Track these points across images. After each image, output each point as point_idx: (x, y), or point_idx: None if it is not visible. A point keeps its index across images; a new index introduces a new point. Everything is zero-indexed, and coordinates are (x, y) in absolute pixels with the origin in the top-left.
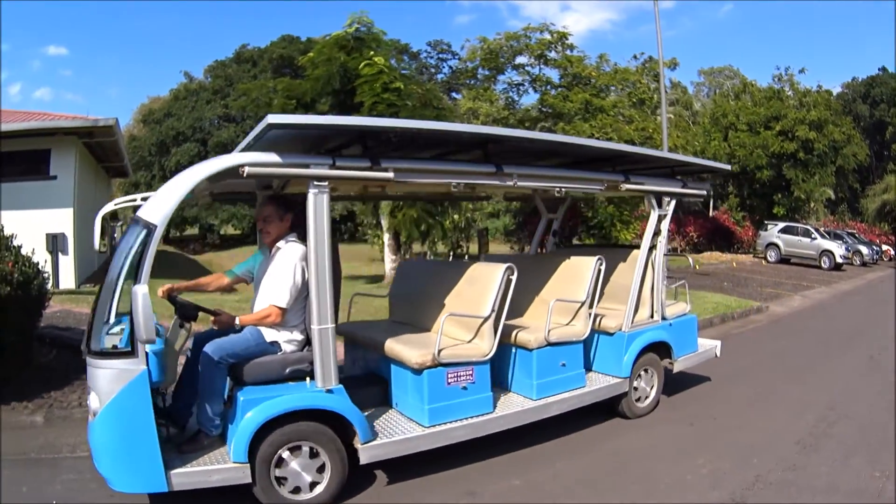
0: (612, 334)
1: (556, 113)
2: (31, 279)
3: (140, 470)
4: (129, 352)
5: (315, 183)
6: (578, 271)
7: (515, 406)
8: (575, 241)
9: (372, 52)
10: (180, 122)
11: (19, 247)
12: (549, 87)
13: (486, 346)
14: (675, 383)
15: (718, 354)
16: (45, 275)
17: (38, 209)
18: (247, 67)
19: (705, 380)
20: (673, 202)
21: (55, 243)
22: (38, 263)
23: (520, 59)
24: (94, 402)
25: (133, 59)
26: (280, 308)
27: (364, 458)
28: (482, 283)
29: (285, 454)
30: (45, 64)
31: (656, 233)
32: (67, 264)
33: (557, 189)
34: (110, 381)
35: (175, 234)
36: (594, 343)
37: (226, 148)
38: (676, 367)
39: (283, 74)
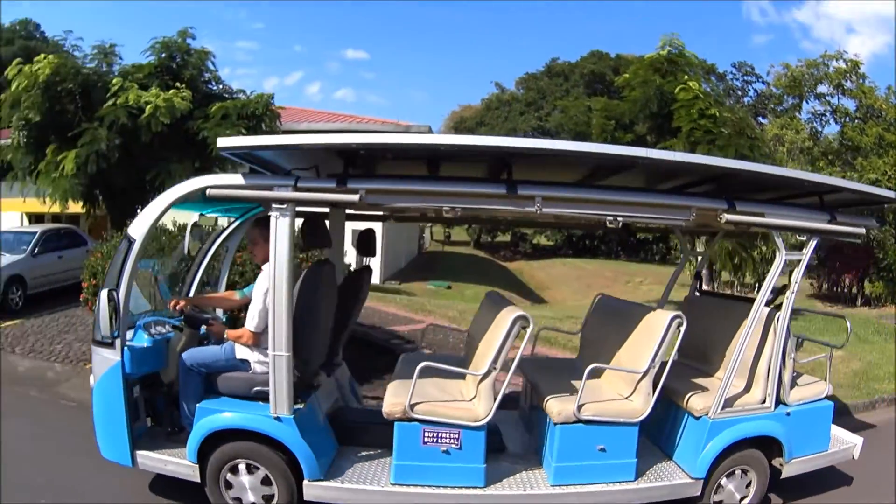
0: (697, 418)
1: (855, 146)
2: None
3: (113, 442)
4: (110, 344)
5: (275, 206)
6: (651, 331)
7: (519, 486)
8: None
9: (686, 77)
10: (493, 132)
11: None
12: (847, 118)
13: (482, 408)
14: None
15: (856, 456)
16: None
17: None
18: (559, 81)
19: (843, 480)
20: (813, 243)
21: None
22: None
23: (821, 88)
24: (91, 381)
25: (439, 66)
26: (251, 332)
27: (306, 495)
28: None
29: (241, 467)
30: (344, 66)
31: (783, 286)
32: (373, 262)
33: (610, 218)
34: (97, 365)
35: (486, 239)
36: (681, 423)
37: None
38: (788, 471)
39: (595, 91)
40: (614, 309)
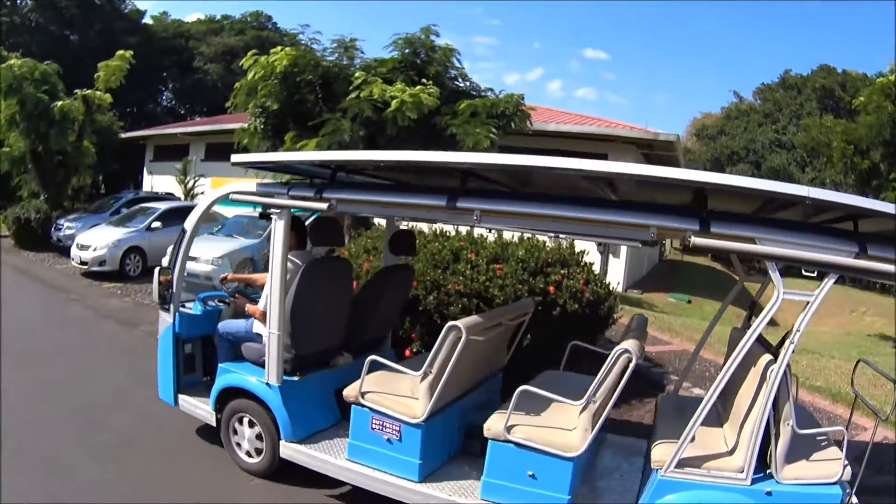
0: (652, 469)
1: None
2: (602, 300)
3: (164, 386)
4: (167, 309)
5: (273, 210)
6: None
7: (450, 491)
8: None
9: None
10: (734, 142)
11: (591, 264)
12: None
13: (419, 408)
14: None
15: None
16: (615, 296)
17: None
18: (792, 94)
19: None
20: (829, 281)
21: (608, 248)
22: (609, 284)
23: None
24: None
25: (678, 69)
26: (260, 310)
27: (281, 452)
28: None
29: (245, 420)
30: (584, 65)
31: (785, 335)
32: (618, 267)
33: (552, 235)
34: (160, 325)
35: None
36: (645, 472)
37: (777, 174)
38: None
39: (826, 107)
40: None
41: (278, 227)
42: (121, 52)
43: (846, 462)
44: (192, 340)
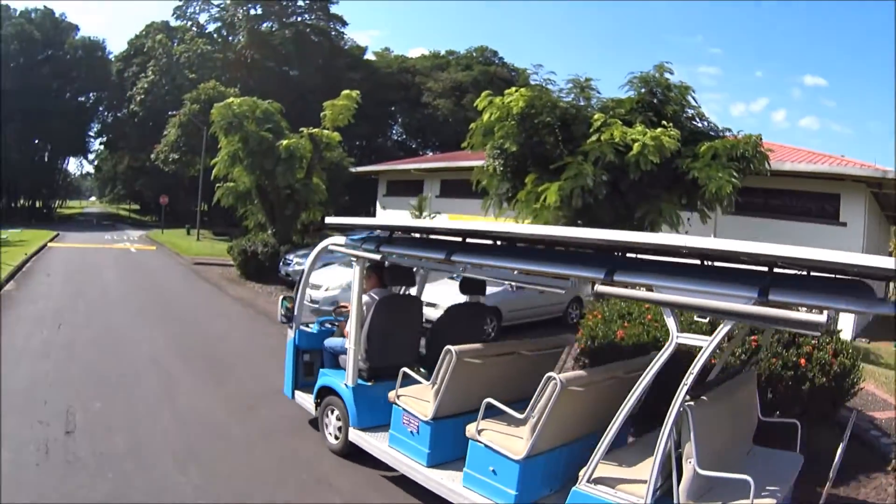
0: (576, 480)
1: None
2: (847, 372)
3: (286, 384)
4: (290, 326)
5: (353, 259)
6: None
7: (444, 478)
8: None
9: None
10: None
11: (839, 331)
12: None
13: (429, 410)
14: None
15: None
16: (860, 367)
17: None
18: None
19: None
20: (724, 328)
21: None
22: (858, 356)
23: None
24: None
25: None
26: (347, 331)
27: (349, 435)
28: None
29: (333, 411)
30: (805, 93)
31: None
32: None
33: (511, 284)
34: (288, 338)
35: None
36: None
37: None
38: None
39: None
40: None
41: (356, 271)
42: (346, 91)
43: None
44: (311, 352)
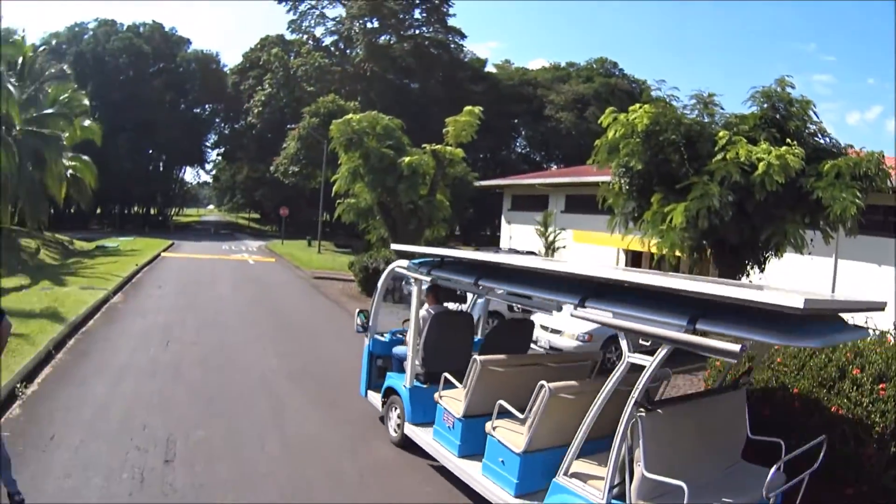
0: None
1: None
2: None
3: (362, 384)
4: (366, 335)
5: (412, 280)
6: None
7: (468, 467)
8: None
9: None
10: None
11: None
12: None
13: (461, 409)
14: None
15: None
16: None
17: None
18: None
19: None
20: (663, 351)
21: None
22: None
23: None
24: None
25: None
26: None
27: (404, 429)
28: None
29: (395, 408)
30: None
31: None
32: None
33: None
34: (365, 344)
35: None
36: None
37: None
38: None
39: None
40: None
41: (414, 290)
42: (469, 107)
43: None
44: (383, 357)
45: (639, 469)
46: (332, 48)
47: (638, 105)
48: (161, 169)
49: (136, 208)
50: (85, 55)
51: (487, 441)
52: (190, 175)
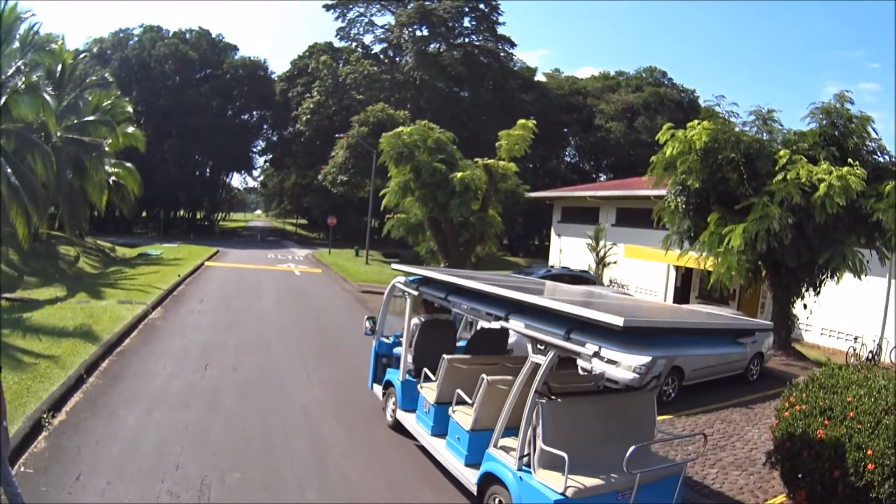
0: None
1: None
2: None
3: (369, 379)
4: (372, 337)
5: (405, 292)
6: None
7: (439, 446)
8: None
9: None
10: None
11: None
12: None
13: (433, 396)
14: None
15: None
16: None
17: None
18: None
19: None
20: (551, 353)
21: None
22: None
23: None
24: None
25: None
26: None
27: (397, 415)
28: None
29: (392, 397)
30: None
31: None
32: None
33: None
34: (372, 346)
35: None
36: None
37: None
38: None
39: None
40: None
41: (408, 302)
42: (523, 121)
43: (570, 484)
44: (386, 356)
45: (538, 442)
46: (382, 56)
47: (696, 122)
48: (208, 174)
49: (181, 212)
50: (130, 61)
51: (450, 422)
52: (237, 181)
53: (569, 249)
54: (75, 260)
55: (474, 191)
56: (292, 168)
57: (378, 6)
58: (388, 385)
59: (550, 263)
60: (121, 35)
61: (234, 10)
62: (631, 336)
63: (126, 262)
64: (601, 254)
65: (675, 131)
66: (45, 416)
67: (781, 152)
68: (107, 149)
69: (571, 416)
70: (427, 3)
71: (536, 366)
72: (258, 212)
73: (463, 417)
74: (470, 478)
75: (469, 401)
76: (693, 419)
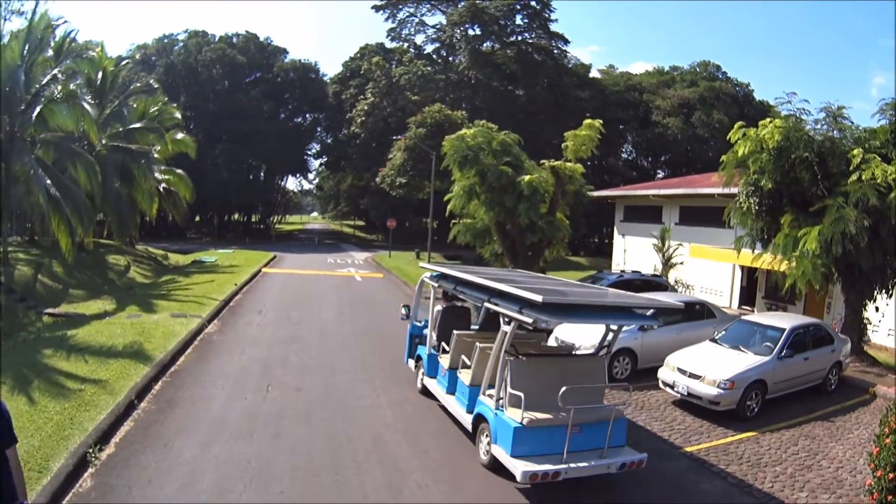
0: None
1: None
2: None
3: (406, 355)
4: (407, 321)
5: (430, 285)
6: None
7: (451, 400)
8: None
9: None
10: None
11: None
12: None
13: (446, 362)
14: None
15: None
16: None
17: None
18: None
19: None
20: (513, 323)
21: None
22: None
23: None
24: None
25: None
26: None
27: (424, 381)
28: None
29: (421, 368)
30: None
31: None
32: None
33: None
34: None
35: None
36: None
37: None
38: (493, 451)
39: None
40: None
41: (431, 293)
42: (589, 121)
43: (526, 416)
44: (419, 336)
45: (508, 388)
46: (435, 56)
47: (768, 120)
48: (262, 178)
49: (236, 216)
50: (175, 67)
51: (459, 381)
52: (292, 183)
53: (633, 249)
54: (125, 269)
55: (542, 194)
56: (348, 170)
57: (428, 6)
58: (418, 359)
59: (621, 268)
60: (165, 41)
61: (281, 13)
62: (552, 309)
63: (179, 270)
64: (667, 255)
65: (746, 130)
66: (91, 450)
67: (855, 151)
68: (156, 156)
69: (532, 370)
70: (478, 1)
71: (505, 333)
72: (314, 214)
73: (465, 376)
74: (468, 420)
75: (469, 364)
76: (777, 436)
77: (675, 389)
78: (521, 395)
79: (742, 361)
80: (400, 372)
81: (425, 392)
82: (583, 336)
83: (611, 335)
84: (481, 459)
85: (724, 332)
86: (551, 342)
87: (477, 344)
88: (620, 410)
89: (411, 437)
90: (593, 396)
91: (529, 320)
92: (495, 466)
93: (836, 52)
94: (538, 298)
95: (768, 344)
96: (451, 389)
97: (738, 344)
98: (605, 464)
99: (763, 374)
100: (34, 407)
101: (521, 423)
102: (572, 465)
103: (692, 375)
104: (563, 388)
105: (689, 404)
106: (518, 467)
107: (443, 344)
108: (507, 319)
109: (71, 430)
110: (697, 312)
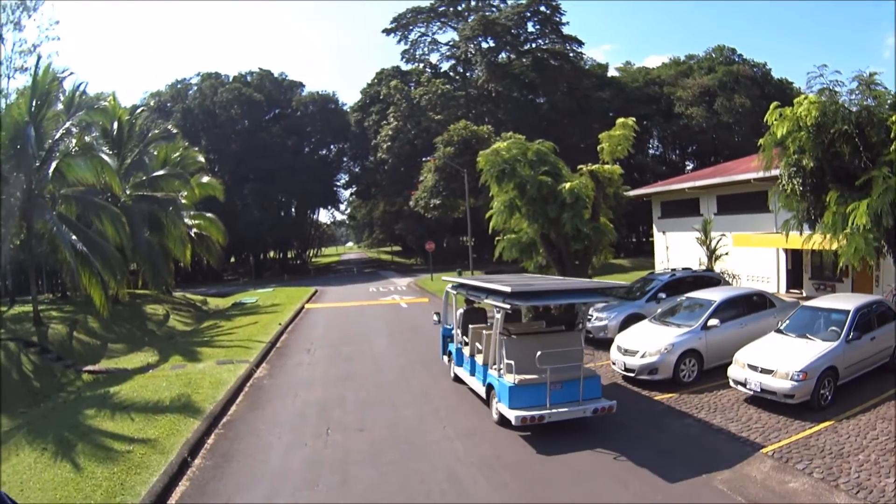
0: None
1: None
2: None
3: (441, 352)
4: (438, 325)
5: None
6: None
7: (473, 380)
8: None
9: None
10: None
11: None
12: None
13: (467, 350)
14: None
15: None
16: None
17: None
18: None
19: None
20: (503, 312)
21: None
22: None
23: None
24: None
25: None
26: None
27: (455, 370)
28: None
29: (454, 360)
30: None
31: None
32: None
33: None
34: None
35: None
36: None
37: None
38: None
39: None
40: None
41: (453, 299)
42: (622, 119)
43: (518, 378)
44: (450, 336)
45: (504, 359)
46: (452, 73)
47: (803, 96)
48: (293, 213)
49: (271, 254)
50: (192, 111)
51: (475, 364)
52: (324, 216)
53: (675, 245)
54: (165, 319)
55: (584, 200)
56: (379, 197)
57: (438, 24)
58: (449, 354)
59: (664, 266)
60: (178, 86)
61: (292, 47)
62: (520, 296)
63: (220, 315)
64: (711, 247)
65: (782, 110)
66: None
67: (894, 117)
68: (184, 201)
69: (522, 345)
70: (487, 13)
71: (497, 319)
72: (350, 244)
73: (479, 358)
74: (483, 390)
75: (481, 349)
76: (854, 422)
77: (748, 387)
78: (512, 363)
79: (811, 350)
80: (466, 401)
81: (457, 379)
82: (646, 343)
83: (580, 314)
84: (493, 417)
85: (787, 322)
86: (613, 349)
87: (484, 332)
88: (591, 370)
89: (486, 469)
90: (571, 360)
91: (507, 306)
92: (502, 421)
93: (845, 16)
94: (507, 289)
95: (834, 328)
96: (472, 371)
97: (804, 332)
98: (581, 409)
99: (834, 360)
100: (80, 474)
101: (514, 383)
102: (553, 410)
103: (763, 370)
104: (539, 353)
105: (761, 400)
106: (512, 414)
107: (464, 338)
108: (497, 309)
109: (123, 497)
110: (757, 304)
